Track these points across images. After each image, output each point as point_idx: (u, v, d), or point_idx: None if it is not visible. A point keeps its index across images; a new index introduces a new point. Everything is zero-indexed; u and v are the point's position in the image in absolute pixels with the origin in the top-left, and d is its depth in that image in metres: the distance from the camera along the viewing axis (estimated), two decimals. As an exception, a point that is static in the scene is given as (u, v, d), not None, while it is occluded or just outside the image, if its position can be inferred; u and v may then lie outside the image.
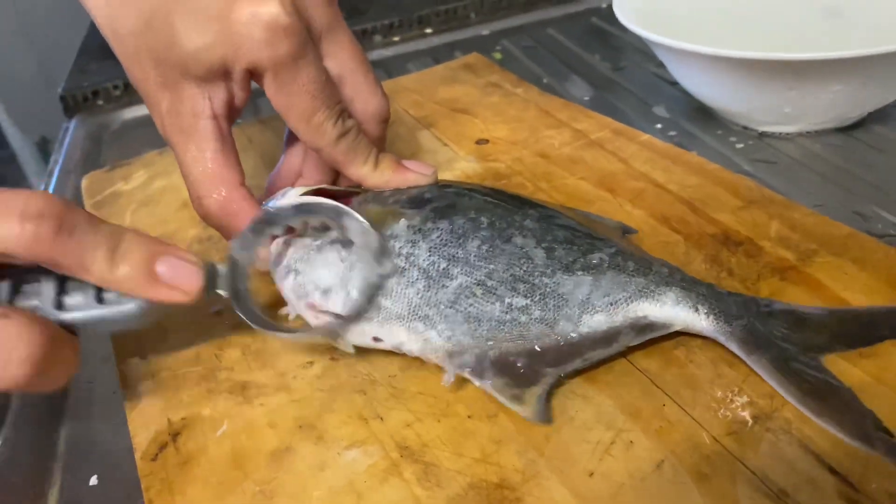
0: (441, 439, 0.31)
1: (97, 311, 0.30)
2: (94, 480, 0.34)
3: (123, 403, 0.35)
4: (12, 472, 0.35)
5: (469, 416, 0.31)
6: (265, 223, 0.34)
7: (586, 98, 0.62)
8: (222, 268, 0.33)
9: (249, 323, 0.33)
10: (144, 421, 0.34)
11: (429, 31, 0.80)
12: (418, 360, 0.34)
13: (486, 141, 0.53)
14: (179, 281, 0.30)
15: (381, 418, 0.32)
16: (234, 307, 0.33)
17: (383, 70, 0.73)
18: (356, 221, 0.33)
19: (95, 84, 0.72)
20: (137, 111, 0.70)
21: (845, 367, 0.31)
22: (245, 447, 0.32)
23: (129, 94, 0.72)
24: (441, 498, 0.28)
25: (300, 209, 0.34)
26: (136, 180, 0.54)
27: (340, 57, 0.37)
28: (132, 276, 0.29)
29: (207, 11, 0.32)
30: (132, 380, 0.36)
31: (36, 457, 0.36)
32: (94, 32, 0.88)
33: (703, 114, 0.56)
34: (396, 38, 0.79)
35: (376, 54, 0.77)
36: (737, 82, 0.49)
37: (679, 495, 0.27)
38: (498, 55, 0.72)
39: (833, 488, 0.27)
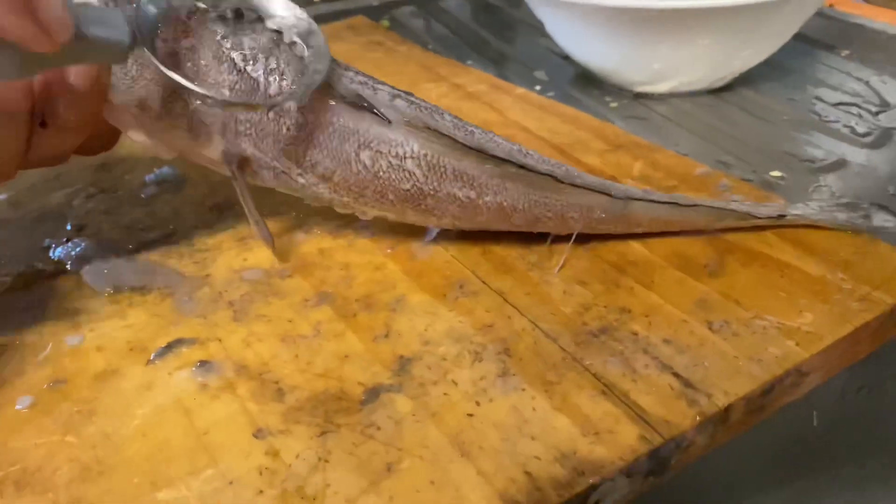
0: (282, 358, 0.29)
1: None
2: None
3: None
4: None
5: (315, 335, 0.30)
6: None
7: (469, 62, 0.62)
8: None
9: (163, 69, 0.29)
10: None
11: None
12: (266, 282, 0.32)
13: (363, 93, 0.52)
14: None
15: (220, 340, 0.30)
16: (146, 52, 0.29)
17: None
18: None
19: None
20: None
21: (694, 285, 0.32)
22: (68, 370, 0.29)
23: None
24: (276, 411, 0.27)
25: None
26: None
27: None
28: None
29: None
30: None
31: None
32: None
33: (583, 79, 0.57)
34: (284, 7, 0.77)
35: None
36: (608, 35, 0.49)
37: (523, 400, 0.26)
38: (385, 23, 0.71)
39: (667, 384, 0.26)
